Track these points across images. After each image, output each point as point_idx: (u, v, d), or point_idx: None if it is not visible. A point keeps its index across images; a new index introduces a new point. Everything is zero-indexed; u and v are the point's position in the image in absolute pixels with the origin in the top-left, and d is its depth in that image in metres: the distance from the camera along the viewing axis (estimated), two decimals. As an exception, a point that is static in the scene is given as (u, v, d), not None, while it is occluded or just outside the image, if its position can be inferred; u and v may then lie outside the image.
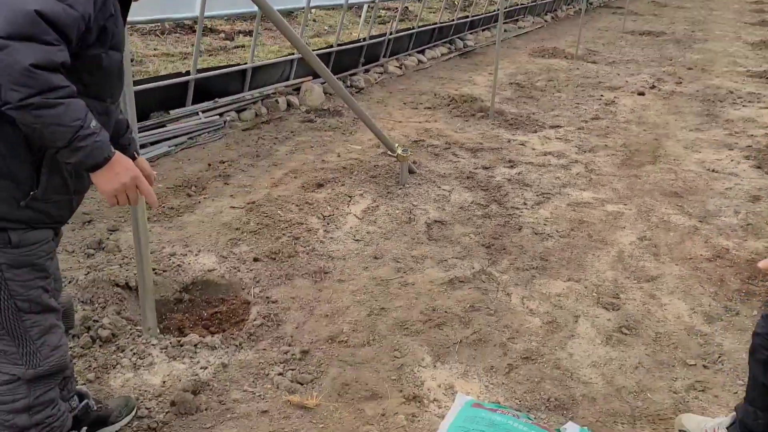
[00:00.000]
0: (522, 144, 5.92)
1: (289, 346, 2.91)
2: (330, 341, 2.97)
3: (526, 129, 6.42)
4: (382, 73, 8.70)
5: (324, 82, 7.01)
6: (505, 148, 5.76)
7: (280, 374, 2.72)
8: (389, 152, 4.81)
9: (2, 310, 1.75)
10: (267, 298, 3.30)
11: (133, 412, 2.41)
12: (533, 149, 5.79)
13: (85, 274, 3.26)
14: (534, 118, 6.80)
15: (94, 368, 2.66)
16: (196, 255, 3.64)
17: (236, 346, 2.88)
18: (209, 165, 5.00)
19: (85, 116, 1.50)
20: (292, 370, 2.75)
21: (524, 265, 3.75)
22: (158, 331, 2.92)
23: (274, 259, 3.67)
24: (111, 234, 3.83)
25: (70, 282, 3.18)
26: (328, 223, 4.14)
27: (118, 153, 1.64)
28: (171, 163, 5.01)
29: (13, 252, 1.71)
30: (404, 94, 7.77)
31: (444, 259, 3.77)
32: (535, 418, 2.49)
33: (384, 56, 8.90)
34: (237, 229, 3.97)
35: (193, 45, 6.94)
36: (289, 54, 7.04)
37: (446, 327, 3.12)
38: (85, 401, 2.25)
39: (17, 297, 1.75)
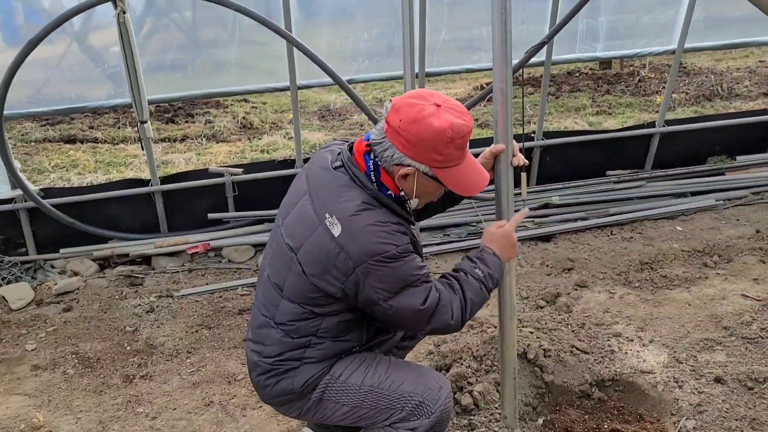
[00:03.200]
0: None
1: None
2: None
3: None
4: None
5: None
6: None
7: None
8: None
9: (363, 407, 1.80)
10: (696, 442, 2.20)
11: None
12: None
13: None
14: None
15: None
16: (645, 345, 2.76)
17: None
18: (757, 231, 3.72)
19: (482, 283, 1.74)
20: None
21: None
22: (517, 424, 2.35)
23: (750, 388, 2.41)
24: (576, 290, 3.32)
25: (484, 331, 2.93)
26: None
27: (494, 246, 1.80)
28: (707, 220, 3.97)
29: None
30: None
31: None
32: None
33: None
34: (725, 328, 2.80)
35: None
36: None
37: None
38: None
39: (363, 389, 1.79)
